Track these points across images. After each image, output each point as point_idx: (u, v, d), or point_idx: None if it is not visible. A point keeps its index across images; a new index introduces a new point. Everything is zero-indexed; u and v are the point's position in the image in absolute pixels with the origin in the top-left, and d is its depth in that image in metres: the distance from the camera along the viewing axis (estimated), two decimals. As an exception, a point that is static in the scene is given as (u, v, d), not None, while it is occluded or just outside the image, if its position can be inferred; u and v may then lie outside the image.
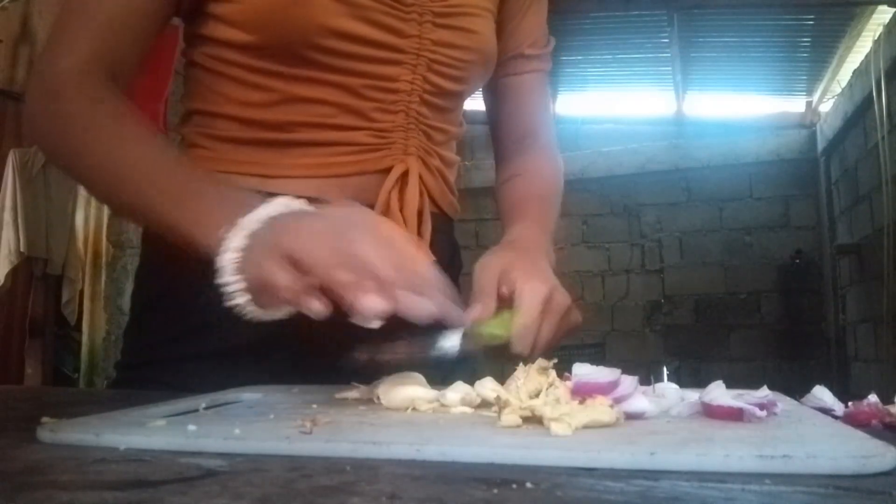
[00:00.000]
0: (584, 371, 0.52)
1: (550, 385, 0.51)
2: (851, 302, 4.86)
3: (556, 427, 0.44)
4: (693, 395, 0.52)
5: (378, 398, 0.57)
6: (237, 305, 0.57)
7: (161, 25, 0.80)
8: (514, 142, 1.01)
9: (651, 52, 4.90)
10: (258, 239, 0.57)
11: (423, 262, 0.58)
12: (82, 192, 3.87)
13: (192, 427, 0.45)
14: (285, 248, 0.55)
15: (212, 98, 0.84)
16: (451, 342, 0.60)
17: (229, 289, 0.57)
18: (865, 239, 4.50)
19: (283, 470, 0.37)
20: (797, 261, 5.30)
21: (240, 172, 0.81)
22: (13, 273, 3.58)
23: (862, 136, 4.50)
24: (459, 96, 0.92)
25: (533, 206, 0.92)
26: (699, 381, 0.56)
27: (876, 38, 4.20)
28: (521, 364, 0.56)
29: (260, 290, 0.56)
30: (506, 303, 0.70)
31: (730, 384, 0.53)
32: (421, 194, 0.87)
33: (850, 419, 0.53)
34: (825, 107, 5.22)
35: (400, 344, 0.59)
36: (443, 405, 0.55)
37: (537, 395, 0.50)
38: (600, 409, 0.47)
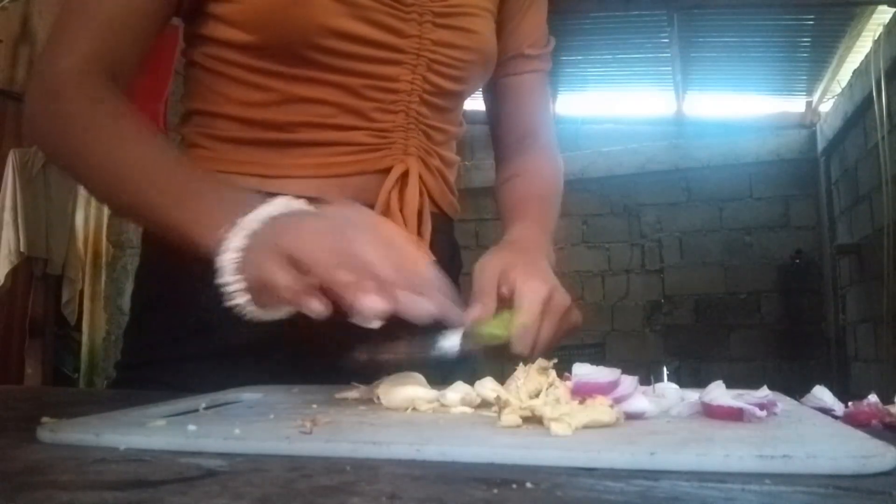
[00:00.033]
0: (584, 371, 0.52)
1: (550, 385, 0.51)
2: (851, 302, 4.86)
3: (556, 427, 0.44)
4: (693, 395, 0.52)
5: (378, 398, 0.57)
6: (237, 305, 0.57)
7: (161, 25, 0.80)
8: (514, 142, 1.00)
9: (651, 52, 4.90)
10: (258, 239, 0.57)
11: (423, 263, 0.58)
12: (82, 192, 3.87)
13: (192, 427, 0.45)
14: (285, 248, 0.55)
15: (212, 98, 0.84)
16: (450, 342, 0.60)
17: (229, 288, 0.57)
18: (865, 239, 4.50)
19: (283, 470, 0.37)
20: (797, 261, 5.30)
21: (240, 172, 0.81)
22: (13, 273, 3.58)
23: (862, 136, 4.50)
24: (459, 96, 0.92)
25: (532, 207, 0.92)
26: (699, 381, 0.56)
27: (876, 38, 4.20)
28: (521, 364, 0.56)
29: (260, 290, 0.56)
30: (506, 303, 0.70)
31: (730, 384, 0.53)
32: (421, 194, 0.87)
33: (850, 419, 0.53)
34: (825, 107, 5.23)
35: (400, 344, 0.59)
36: (443, 405, 0.55)
37: (537, 395, 0.50)
38: (600, 409, 0.47)
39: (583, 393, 0.49)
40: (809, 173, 5.35)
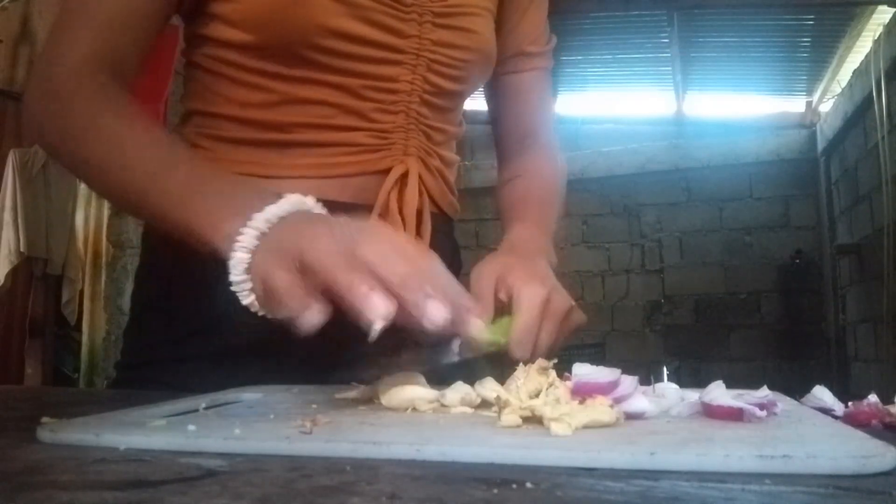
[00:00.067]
0: (584, 371, 0.52)
1: (550, 385, 0.51)
2: (851, 302, 4.86)
3: (556, 427, 0.44)
4: (693, 395, 0.52)
5: (378, 398, 0.57)
6: (246, 305, 0.57)
7: (161, 24, 0.79)
8: (516, 142, 1.00)
9: (651, 52, 4.90)
10: (266, 241, 0.56)
11: (435, 268, 0.56)
12: (82, 192, 3.88)
13: (192, 427, 0.45)
14: (291, 252, 0.53)
15: (211, 98, 0.84)
16: (449, 350, 0.60)
17: (237, 288, 0.56)
18: (865, 239, 4.50)
19: (283, 470, 0.37)
20: (797, 261, 5.30)
21: (239, 173, 0.81)
22: (13, 273, 3.58)
23: (862, 136, 4.50)
24: (459, 96, 0.92)
25: (532, 208, 0.91)
26: (699, 381, 0.56)
27: (876, 38, 4.20)
28: (521, 364, 0.56)
29: (265, 293, 0.55)
30: (504, 308, 0.70)
31: (730, 384, 0.53)
32: (420, 194, 0.87)
33: (850, 419, 0.53)
34: (825, 107, 5.23)
35: (399, 350, 0.58)
36: (443, 405, 0.55)
37: (537, 395, 0.50)
38: (600, 409, 0.47)
39: (583, 393, 0.49)
40: (809, 173, 5.35)
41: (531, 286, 0.70)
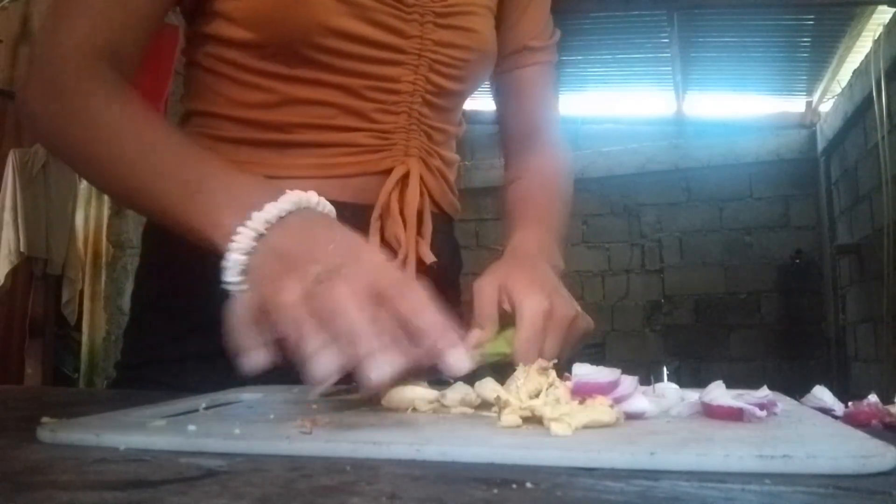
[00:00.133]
0: (584, 371, 0.52)
1: (550, 385, 0.51)
2: (851, 302, 4.86)
3: (556, 427, 0.44)
4: (693, 395, 0.52)
5: (378, 398, 0.57)
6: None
7: (161, 16, 0.78)
8: (519, 140, 0.99)
9: (651, 52, 4.90)
10: (263, 247, 0.55)
11: (414, 301, 0.51)
12: (82, 191, 3.88)
13: (192, 427, 0.45)
14: (266, 291, 0.51)
15: (212, 98, 0.84)
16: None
17: (232, 290, 0.56)
18: (865, 239, 4.50)
19: (283, 470, 0.37)
20: (797, 261, 5.30)
21: (239, 172, 0.81)
22: (13, 273, 3.59)
23: (862, 136, 4.50)
24: (460, 96, 0.92)
25: (535, 209, 0.90)
26: (699, 381, 0.56)
27: (876, 38, 4.20)
28: (521, 366, 0.56)
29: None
30: (509, 318, 0.69)
31: (730, 384, 0.53)
32: (421, 195, 0.86)
33: (850, 419, 0.53)
34: (825, 107, 5.23)
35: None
36: (443, 405, 0.55)
37: (537, 396, 0.50)
38: (600, 409, 0.47)
39: (583, 393, 0.49)
40: (809, 173, 5.35)
41: (533, 296, 0.69)
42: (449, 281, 0.97)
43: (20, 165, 3.55)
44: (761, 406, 0.48)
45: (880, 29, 4.15)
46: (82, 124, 0.69)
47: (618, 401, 0.49)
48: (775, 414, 0.49)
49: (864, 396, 0.55)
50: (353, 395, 0.61)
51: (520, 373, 0.53)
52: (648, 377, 0.59)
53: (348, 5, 0.78)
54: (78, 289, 3.85)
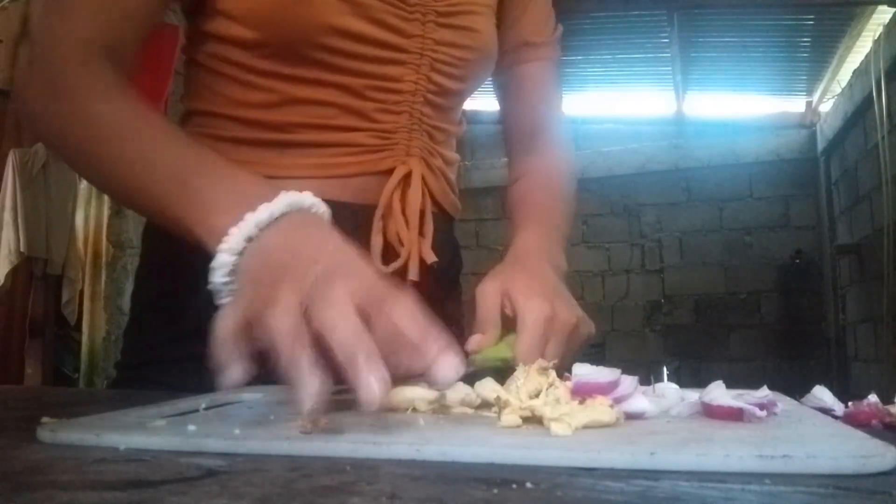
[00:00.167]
0: (584, 371, 0.52)
1: (550, 385, 0.51)
2: (851, 302, 4.86)
3: (556, 427, 0.44)
4: (693, 395, 0.52)
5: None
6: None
7: (161, 11, 0.77)
8: (522, 139, 0.99)
9: (651, 52, 4.90)
10: (253, 250, 0.54)
11: (405, 314, 0.49)
12: (82, 191, 3.88)
13: (192, 427, 0.45)
14: (255, 305, 0.50)
15: (212, 98, 0.84)
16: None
17: (218, 290, 0.55)
18: (865, 239, 4.50)
19: (283, 470, 0.37)
20: (797, 261, 5.30)
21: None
22: (13, 273, 3.59)
23: (862, 136, 4.50)
24: (461, 95, 0.92)
25: (537, 209, 0.90)
26: (699, 381, 0.56)
27: (876, 38, 4.20)
28: (521, 365, 0.56)
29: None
30: (511, 322, 0.69)
31: (730, 384, 0.53)
32: (423, 194, 0.86)
33: (850, 419, 0.53)
34: (825, 107, 5.23)
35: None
36: (443, 405, 0.55)
37: (537, 396, 0.50)
38: (600, 409, 0.47)
39: (583, 393, 0.49)
40: (809, 173, 5.35)
41: (535, 301, 0.69)
42: (449, 281, 0.97)
43: (20, 165, 3.55)
44: (761, 406, 0.48)
45: (880, 29, 4.15)
46: (82, 124, 0.68)
47: (618, 401, 0.49)
48: (775, 414, 0.49)
49: (864, 396, 0.55)
50: (352, 394, 0.61)
51: (520, 373, 0.53)
52: (648, 377, 0.59)
53: (350, 4, 0.78)
54: (78, 289, 3.85)
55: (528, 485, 0.33)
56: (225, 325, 0.49)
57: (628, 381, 0.51)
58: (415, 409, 0.54)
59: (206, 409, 0.56)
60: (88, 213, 3.94)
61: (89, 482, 0.35)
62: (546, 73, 0.99)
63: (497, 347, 0.68)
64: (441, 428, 0.47)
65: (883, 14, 4.12)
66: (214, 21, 0.81)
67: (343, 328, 0.46)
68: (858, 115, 4.51)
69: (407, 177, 0.85)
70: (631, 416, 0.49)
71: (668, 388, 0.55)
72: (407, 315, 0.49)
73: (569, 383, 0.51)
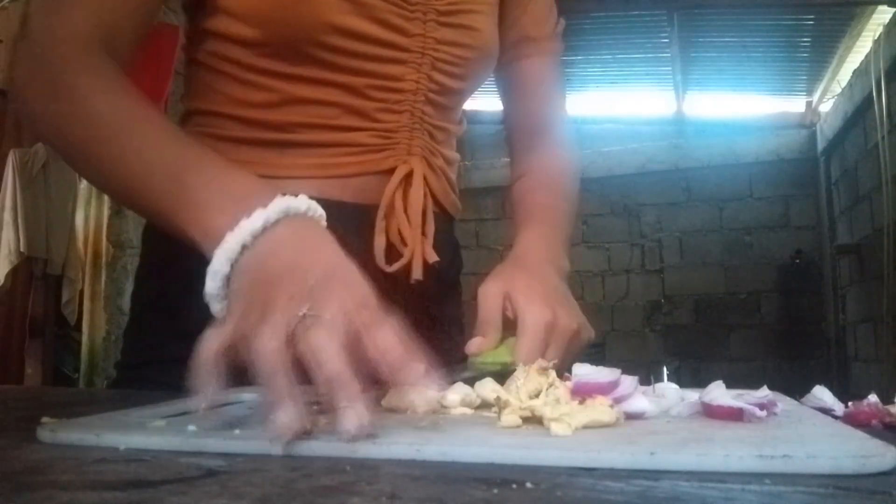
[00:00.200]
0: (584, 371, 0.52)
1: (550, 385, 0.51)
2: (851, 302, 4.86)
3: (556, 427, 0.44)
4: (693, 395, 0.52)
5: (378, 400, 0.57)
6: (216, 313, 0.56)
7: (159, 6, 0.77)
8: (524, 137, 0.99)
9: (651, 52, 4.89)
10: (246, 261, 0.53)
11: (388, 337, 0.48)
12: (82, 192, 3.88)
13: (192, 427, 0.45)
14: (242, 327, 0.49)
15: (212, 97, 0.84)
16: (455, 374, 0.60)
17: (211, 296, 0.55)
18: (865, 239, 4.50)
19: (283, 470, 0.37)
20: (797, 261, 5.30)
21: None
22: (13, 273, 3.58)
23: (862, 136, 4.50)
24: (462, 94, 0.92)
25: (539, 209, 0.90)
26: (699, 381, 0.56)
27: (876, 38, 4.20)
28: (521, 365, 0.56)
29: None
30: (512, 325, 0.69)
31: (730, 384, 0.53)
32: (425, 194, 0.86)
33: (850, 419, 0.53)
34: (825, 107, 5.23)
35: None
36: (443, 406, 0.55)
37: (537, 396, 0.50)
38: (600, 409, 0.47)
39: (583, 393, 0.49)
40: (809, 173, 5.35)
41: (536, 306, 0.69)
42: (449, 281, 0.97)
43: (20, 165, 3.55)
44: (761, 406, 0.48)
45: (880, 29, 4.15)
46: (82, 124, 0.67)
47: (618, 401, 0.49)
48: (775, 414, 0.49)
49: (864, 396, 0.55)
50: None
51: (520, 373, 0.53)
52: (648, 377, 0.59)
53: (352, 3, 0.78)
54: (78, 289, 3.85)
55: (528, 485, 0.33)
56: (209, 347, 0.48)
57: (628, 381, 0.51)
58: (415, 409, 0.54)
59: (207, 409, 0.56)
60: (88, 213, 3.93)
61: (89, 482, 0.35)
62: (548, 69, 0.99)
63: (497, 351, 0.68)
64: (441, 428, 0.47)
65: (883, 14, 4.12)
66: (215, 19, 0.80)
67: (326, 358, 0.45)
68: (858, 115, 4.51)
69: (408, 176, 0.85)
70: (631, 416, 0.49)
71: (668, 388, 0.55)
72: (388, 341, 0.47)
73: (569, 383, 0.51)
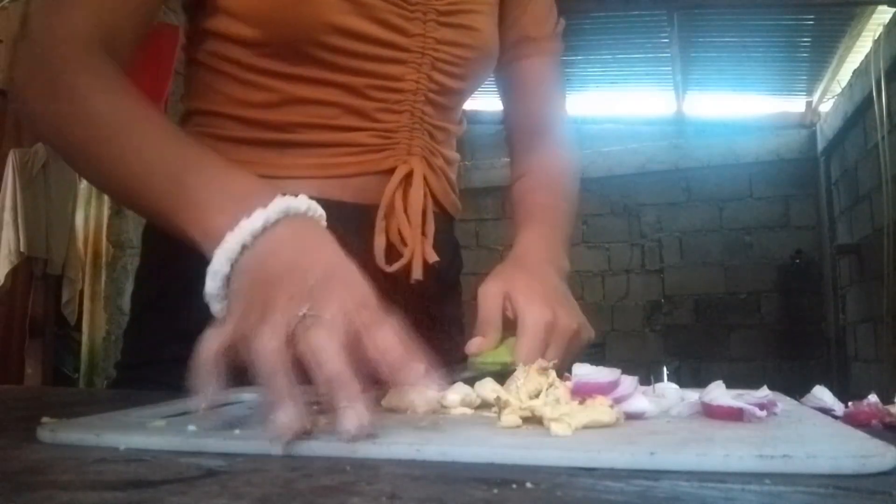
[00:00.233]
0: (584, 371, 0.52)
1: (550, 385, 0.51)
2: (851, 302, 4.86)
3: (556, 427, 0.44)
4: (693, 395, 0.53)
5: (378, 400, 0.57)
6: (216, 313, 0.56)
7: (159, 6, 0.77)
8: (524, 137, 0.99)
9: (651, 52, 4.89)
10: (246, 261, 0.53)
11: (387, 338, 0.48)
12: (82, 192, 3.88)
13: (192, 427, 0.45)
14: (242, 328, 0.49)
15: (212, 97, 0.84)
16: (454, 374, 0.60)
17: (211, 296, 0.55)
18: (865, 239, 4.50)
19: (283, 470, 0.37)
20: (797, 261, 5.30)
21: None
22: (13, 273, 3.58)
23: (862, 136, 4.50)
24: (462, 94, 0.92)
25: (540, 209, 0.90)
26: (699, 381, 0.56)
27: (876, 38, 4.20)
28: (521, 365, 0.56)
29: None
30: (512, 325, 0.69)
31: (730, 384, 0.53)
32: (425, 194, 0.86)
33: (850, 419, 0.53)
34: (825, 107, 5.23)
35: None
36: (443, 406, 0.55)
37: (537, 396, 0.50)
38: (600, 409, 0.47)
39: (583, 393, 0.49)
40: (809, 173, 5.35)
41: (536, 306, 0.69)
42: (449, 281, 0.97)
43: (20, 165, 3.55)
44: (761, 406, 0.48)
45: (880, 29, 4.15)
46: (82, 124, 0.67)
47: (618, 401, 0.49)
48: (775, 414, 0.49)
49: (864, 396, 0.55)
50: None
51: (520, 373, 0.53)
52: (648, 377, 0.59)
53: (352, 3, 0.78)
54: (78, 289, 3.85)
55: (528, 485, 0.33)
56: (209, 347, 0.48)
57: (628, 381, 0.51)
58: (415, 410, 0.54)
59: (206, 409, 0.56)
60: (88, 213, 3.93)
61: (89, 482, 0.35)
62: (548, 68, 0.99)
63: (497, 351, 0.68)
64: (441, 428, 0.47)
65: (883, 14, 4.12)
66: (215, 19, 0.80)
67: (326, 358, 0.45)
68: (858, 115, 4.51)
69: (408, 176, 0.85)
70: (631, 416, 0.49)
71: (668, 388, 0.55)
72: (388, 342, 0.47)
73: (569, 383, 0.51)
